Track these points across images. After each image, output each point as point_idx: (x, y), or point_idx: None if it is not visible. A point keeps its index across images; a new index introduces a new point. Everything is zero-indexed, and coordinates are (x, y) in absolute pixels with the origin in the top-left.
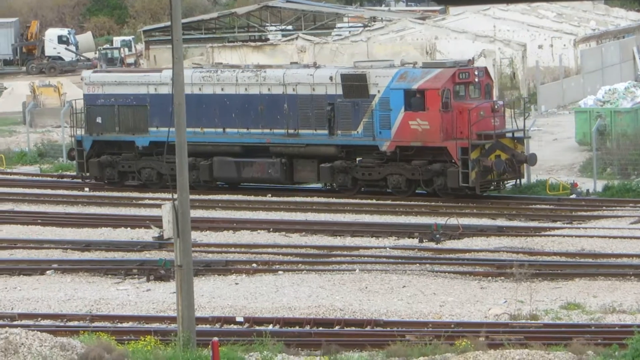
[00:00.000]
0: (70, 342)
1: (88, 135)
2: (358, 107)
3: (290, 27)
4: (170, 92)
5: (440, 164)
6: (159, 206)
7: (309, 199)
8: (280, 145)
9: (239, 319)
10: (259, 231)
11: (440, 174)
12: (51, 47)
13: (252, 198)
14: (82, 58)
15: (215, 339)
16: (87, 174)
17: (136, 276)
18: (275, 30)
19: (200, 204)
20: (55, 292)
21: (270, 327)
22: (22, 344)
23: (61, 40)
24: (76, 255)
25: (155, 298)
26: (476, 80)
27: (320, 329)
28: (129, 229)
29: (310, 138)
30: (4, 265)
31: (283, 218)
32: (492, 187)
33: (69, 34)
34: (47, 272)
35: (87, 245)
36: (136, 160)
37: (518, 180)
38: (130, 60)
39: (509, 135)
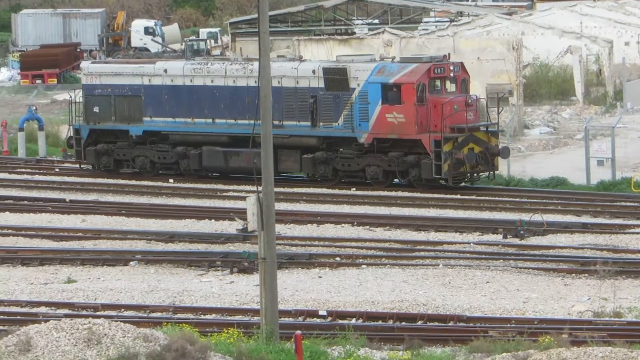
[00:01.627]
0: (153, 333)
1: (85, 124)
2: (339, 100)
3: (376, 21)
4: (162, 83)
5: (414, 155)
6: (243, 198)
7: (393, 193)
8: None
9: (322, 312)
10: (342, 225)
11: (414, 166)
12: (137, 38)
13: (336, 191)
14: (168, 49)
15: (298, 332)
16: (85, 161)
17: (220, 268)
18: (362, 24)
19: (284, 197)
20: (138, 283)
21: (353, 321)
22: (105, 334)
23: (147, 31)
24: (160, 247)
25: (239, 290)
26: (452, 75)
27: (403, 323)
28: (213, 220)
29: (293, 129)
30: (88, 256)
31: (367, 212)
32: (465, 179)
33: (156, 25)
34: (131, 263)
35: (171, 237)
36: (130, 149)
37: (492, 172)
38: (217, 52)
39: (483, 129)
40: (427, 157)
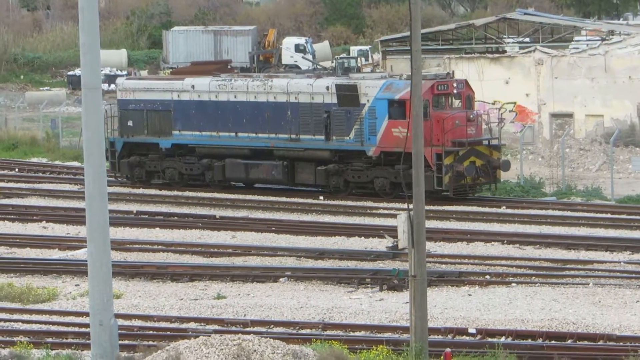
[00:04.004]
0: (303, 350)
1: (119, 137)
2: (350, 115)
3: (527, 40)
4: (190, 98)
5: None
6: (393, 216)
7: (543, 212)
8: (282, 149)
9: (472, 330)
10: (492, 243)
11: None
12: (288, 55)
13: (487, 209)
14: (318, 67)
15: (448, 350)
16: (119, 173)
17: (369, 285)
18: (513, 42)
19: (434, 215)
20: (288, 300)
21: (503, 339)
22: (255, 350)
23: (298, 48)
24: (310, 263)
25: (388, 308)
26: (455, 91)
27: (553, 342)
28: (362, 238)
29: (309, 143)
30: (237, 272)
31: (517, 230)
32: (466, 190)
33: (306, 42)
34: (281, 279)
35: (320, 254)
36: (160, 161)
37: (493, 184)
38: (367, 69)
39: (485, 142)
40: (430, 170)
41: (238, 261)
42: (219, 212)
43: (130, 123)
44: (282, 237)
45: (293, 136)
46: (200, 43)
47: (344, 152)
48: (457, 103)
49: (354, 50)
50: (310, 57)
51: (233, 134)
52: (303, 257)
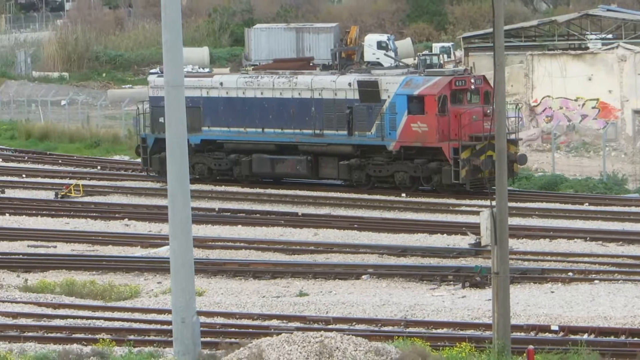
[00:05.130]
0: (385, 347)
1: (151, 133)
2: (372, 111)
3: (610, 36)
4: (219, 95)
5: (437, 162)
6: (475, 213)
7: (626, 209)
8: (307, 144)
9: (554, 327)
10: (575, 240)
11: (436, 172)
12: (370, 52)
13: (569, 207)
14: (401, 64)
15: (531, 347)
16: (151, 168)
17: (451, 282)
18: (596, 39)
19: (517, 212)
20: (370, 297)
21: (585, 336)
22: (337, 347)
23: (380, 45)
24: (392, 261)
25: (470, 305)
26: (472, 87)
27: (636, 339)
28: (445, 235)
29: (332, 138)
30: (320, 269)
31: (600, 227)
32: (483, 184)
33: (388, 39)
34: (363, 276)
35: (403, 251)
36: (190, 157)
37: (510, 178)
38: (449, 66)
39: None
40: (448, 164)
41: (320, 258)
42: (301, 209)
43: (161, 120)
44: (365, 235)
45: (317, 131)
46: (282, 40)
47: (365, 147)
48: (476, 99)
49: (436, 47)
50: (392, 54)
51: (260, 130)
52: (385, 254)
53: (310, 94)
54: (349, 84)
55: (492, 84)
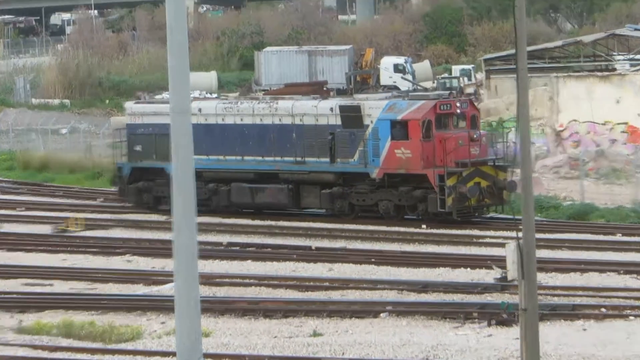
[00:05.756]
0: None
1: (127, 162)
2: (354, 137)
3: (638, 57)
4: (197, 121)
5: (422, 190)
6: (500, 245)
7: None
8: (288, 172)
9: None
10: (608, 273)
11: (422, 200)
12: (387, 75)
13: (600, 237)
14: (418, 87)
15: None
16: (127, 199)
17: (476, 320)
18: (623, 60)
19: (545, 244)
20: (389, 337)
21: None
22: None
23: (397, 68)
24: (412, 297)
25: (497, 344)
26: (458, 111)
27: None
28: (468, 269)
29: (314, 165)
30: (335, 307)
31: (635, 259)
32: (471, 212)
33: (406, 62)
34: (381, 314)
35: (424, 286)
36: (168, 186)
37: (500, 206)
38: (470, 90)
39: (490, 163)
40: (434, 191)
41: (335, 295)
42: (314, 243)
43: (138, 148)
44: (383, 269)
45: (298, 159)
46: (294, 64)
47: (348, 175)
48: (463, 123)
49: (456, 69)
50: (410, 77)
51: (239, 158)
52: (405, 290)
53: (291, 120)
54: (331, 109)
55: (478, 108)
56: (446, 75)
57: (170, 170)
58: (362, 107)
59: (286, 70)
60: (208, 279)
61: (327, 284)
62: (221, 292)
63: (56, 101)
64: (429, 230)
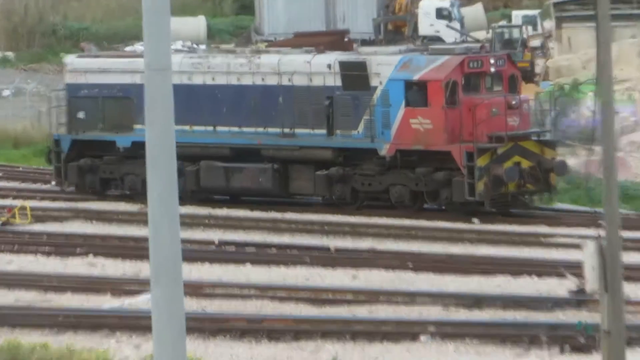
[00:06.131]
0: None
1: (67, 133)
2: (358, 102)
3: None
4: None
5: (445, 172)
6: (576, 246)
7: None
8: (272, 147)
9: None
10: None
11: (445, 185)
12: (427, 23)
13: None
14: (468, 39)
15: None
16: (66, 181)
17: (545, 345)
18: None
19: (633, 245)
20: None
21: None
22: None
23: (441, 14)
24: (461, 315)
25: None
26: (492, 69)
27: None
28: (534, 278)
29: (306, 139)
30: (361, 327)
31: None
32: (509, 202)
33: (452, 6)
34: (421, 337)
35: (476, 301)
36: (119, 165)
37: (548, 192)
38: (536, 42)
39: (534, 137)
40: (460, 174)
41: (362, 312)
42: (334, 242)
43: (81, 115)
44: (423, 278)
45: (286, 130)
46: (306, 8)
47: (350, 152)
48: (496, 85)
49: (517, 16)
50: (457, 25)
51: (210, 129)
52: (452, 305)
53: (278, 80)
54: (329, 66)
55: (517, 66)
56: (504, 23)
57: (122, 144)
58: (369, 63)
59: (296, 16)
60: (196, 290)
61: (350, 297)
62: (213, 306)
63: None
64: (482, 227)
